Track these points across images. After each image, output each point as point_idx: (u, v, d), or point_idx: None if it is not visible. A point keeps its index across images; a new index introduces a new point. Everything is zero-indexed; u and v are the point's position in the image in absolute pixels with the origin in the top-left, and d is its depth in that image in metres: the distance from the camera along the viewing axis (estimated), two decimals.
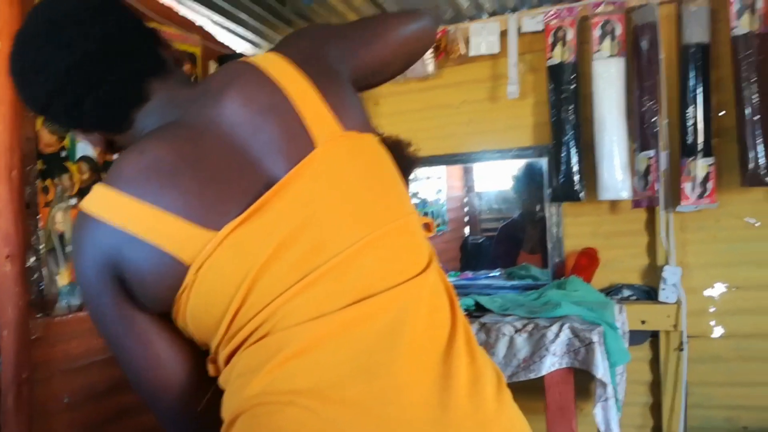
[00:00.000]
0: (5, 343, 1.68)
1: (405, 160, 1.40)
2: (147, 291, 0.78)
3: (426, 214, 3.47)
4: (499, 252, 3.29)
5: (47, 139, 1.85)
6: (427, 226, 0.94)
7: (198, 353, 0.84)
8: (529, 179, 2.89)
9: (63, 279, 1.89)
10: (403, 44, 0.96)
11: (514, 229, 3.22)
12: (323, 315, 0.75)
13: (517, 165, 2.93)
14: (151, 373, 0.83)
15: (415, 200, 3.34)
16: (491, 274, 3.04)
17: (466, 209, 3.62)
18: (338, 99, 0.82)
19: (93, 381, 1.97)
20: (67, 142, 1.91)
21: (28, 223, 1.78)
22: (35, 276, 1.80)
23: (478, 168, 3.24)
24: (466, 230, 3.67)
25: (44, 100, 0.86)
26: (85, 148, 1.96)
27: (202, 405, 0.84)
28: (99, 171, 2.01)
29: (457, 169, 3.40)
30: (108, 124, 0.88)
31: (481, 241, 3.55)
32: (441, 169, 3.25)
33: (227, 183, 0.78)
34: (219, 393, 0.79)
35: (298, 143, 0.79)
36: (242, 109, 0.80)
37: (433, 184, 3.44)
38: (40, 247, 1.82)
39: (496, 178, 3.33)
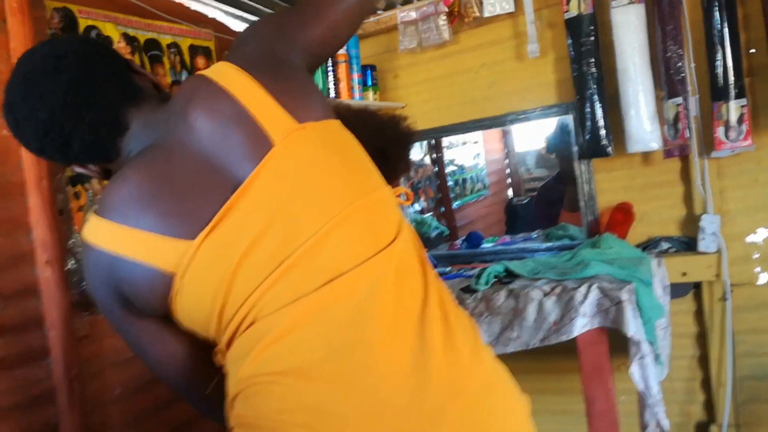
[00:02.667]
0: (53, 344, 1.80)
1: (400, 135, 1.41)
2: (143, 301, 0.89)
3: (465, 180, 3.46)
4: (539, 213, 3.24)
5: None
6: (405, 196, 0.98)
7: (198, 344, 0.94)
8: (562, 136, 2.82)
9: None
10: (343, 15, 0.99)
11: (552, 188, 3.16)
12: (299, 298, 0.81)
13: (549, 123, 2.87)
14: (161, 365, 0.98)
15: (451, 167, 3.33)
16: (529, 237, 3.02)
17: (507, 171, 3.58)
18: (290, 95, 0.88)
19: (142, 371, 2.08)
20: None
21: (64, 229, 1.88)
22: (75, 278, 1.91)
23: (516, 129, 3.16)
24: (509, 192, 3.64)
25: (37, 145, 0.95)
26: None
27: (210, 389, 0.95)
28: None
29: (495, 132, 3.35)
30: (97, 156, 0.96)
31: (525, 201, 3.51)
32: (477, 134, 3.20)
33: (201, 195, 0.85)
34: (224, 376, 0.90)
35: (258, 145, 0.84)
36: (205, 125, 0.87)
37: (470, 150, 3.41)
38: (78, 250, 1.92)
39: (536, 138, 3.27)
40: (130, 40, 2.15)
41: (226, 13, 2.58)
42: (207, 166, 0.86)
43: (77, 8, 2.02)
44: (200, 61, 2.42)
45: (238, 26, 2.69)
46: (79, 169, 0.99)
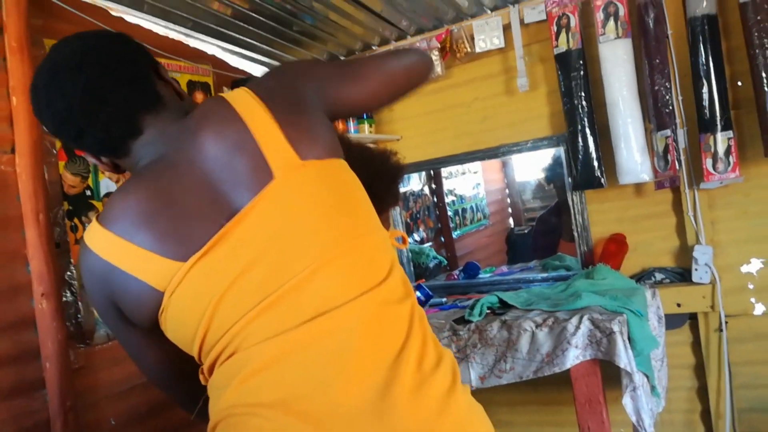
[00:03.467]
0: (49, 375, 1.82)
1: (389, 169, 1.44)
2: (133, 311, 0.92)
3: (465, 210, 3.48)
4: (539, 242, 3.25)
5: (71, 180, 1.98)
6: (401, 240, 0.99)
7: (180, 356, 0.97)
8: (556, 168, 2.85)
9: None
10: (388, 82, 1.05)
11: (551, 218, 3.18)
12: (282, 333, 0.83)
13: (546, 154, 2.90)
14: (151, 369, 1.05)
15: (451, 197, 3.36)
16: (527, 267, 3.03)
17: (508, 201, 3.60)
18: (299, 130, 0.89)
19: (136, 403, 2.09)
20: (90, 181, 2.03)
21: (60, 262, 1.91)
22: (72, 310, 1.93)
23: (515, 159, 3.18)
24: (510, 222, 3.65)
25: (53, 130, 0.99)
26: (108, 185, 2.08)
27: (195, 412, 1.03)
28: None
29: (495, 162, 3.37)
30: (108, 152, 0.99)
31: (526, 231, 3.52)
32: (477, 164, 3.23)
33: (198, 218, 0.87)
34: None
35: (259, 176, 0.86)
36: (214, 147, 0.88)
37: (469, 180, 3.44)
38: (75, 282, 1.95)
39: (535, 168, 3.29)
40: None
41: (224, 49, 2.65)
42: (208, 188, 0.87)
43: None
44: (198, 95, 2.48)
45: (236, 62, 2.76)
46: (91, 159, 1.01)
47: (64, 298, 1.90)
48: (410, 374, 0.83)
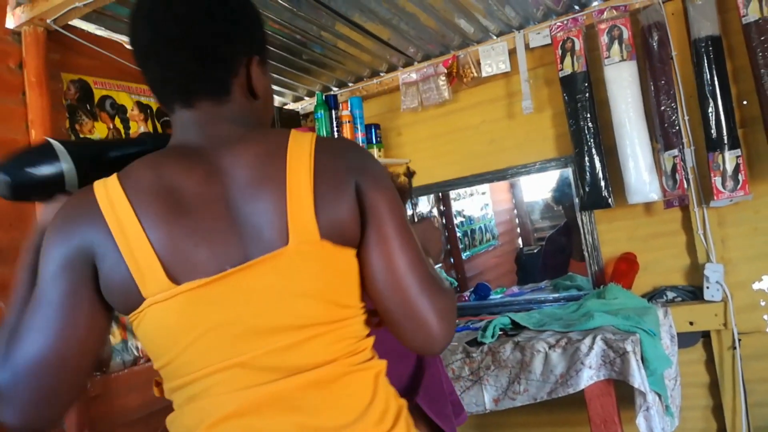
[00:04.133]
0: None
1: (398, 190, 1.46)
2: (110, 292, 0.84)
3: (474, 230, 3.50)
4: (548, 262, 3.26)
5: None
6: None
7: (89, 348, 0.85)
8: (564, 188, 2.87)
9: (115, 338, 2.04)
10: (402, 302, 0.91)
11: (559, 238, 3.19)
12: (255, 386, 0.83)
13: (553, 175, 2.92)
14: (42, 341, 0.82)
15: (460, 218, 3.38)
16: (538, 287, 3.03)
17: (516, 221, 3.61)
18: (331, 211, 0.86)
19: (152, 430, 2.09)
20: None
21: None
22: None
23: (522, 180, 3.20)
24: (519, 242, 3.66)
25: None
26: None
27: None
28: None
29: (502, 183, 3.39)
30: (159, 99, 0.96)
31: (536, 251, 3.53)
32: (484, 186, 3.24)
33: (206, 247, 0.83)
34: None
35: (275, 236, 0.83)
36: (246, 182, 0.85)
37: (477, 201, 3.46)
38: None
39: (543, 188, 3.31)
40: (143, 107, 2.26)
41: None
42: (226, 219, 0.84)
43: (92, 80, 2.13)
44: None
45: None
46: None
47: None
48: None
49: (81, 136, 2.08)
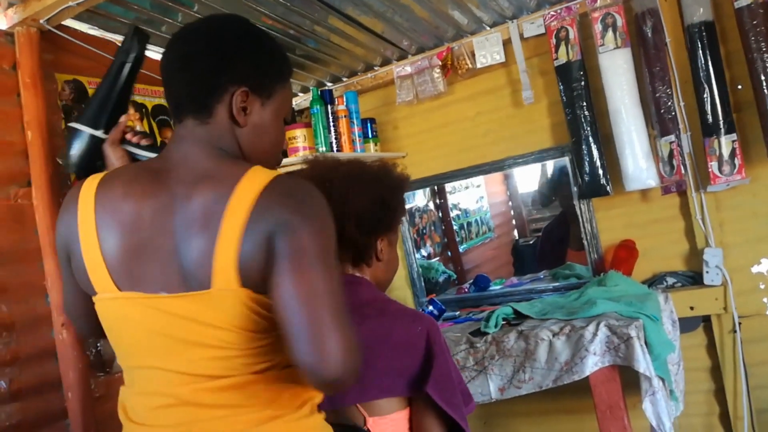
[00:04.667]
0: (71, 404, 1.82)
1: (396, 180, 1.46)
2: (78, 279, 1.05)
3: (470, 223, 3.51)
4: (546, 253, 3.27)
5: None
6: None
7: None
8: (561, 178, 2.88)
9: None
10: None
11: (557, 228, 3.19)
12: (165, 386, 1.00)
13: (548, 165, 2.92)
14: (67, 302, 1.17)
15: (456, 211, 3.39)
16: (537, 277, 3.04)
17: (511, 213, 3.62)
18: (253, 256, 0.92)
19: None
20: None
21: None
22: (91, 339, 1.94)
23: (518, 171, 3.20)
24: (515, 234, 3.66)
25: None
26: None
27: None
28: None
29: (497, 175, 3.39)
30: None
31: (532, 242, 3.54)
32: (479, 178, 3.25)
33: (150, 265, 0.97)
34: None
35: (204, 275, 0.93)
36: (191, 213, 0.96)
37: (473, 194, 3.46)
38: None
39: (537, 179, 3.32)
40: (138, 106, 2.24)
41: None
42: (168, 246, 0.96)
43: (87, 80, 2.12)
44: None
45: None
46: None
47: None
48: None
49: None
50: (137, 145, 1.34)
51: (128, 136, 1.35)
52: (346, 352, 0.88)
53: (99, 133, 1.35)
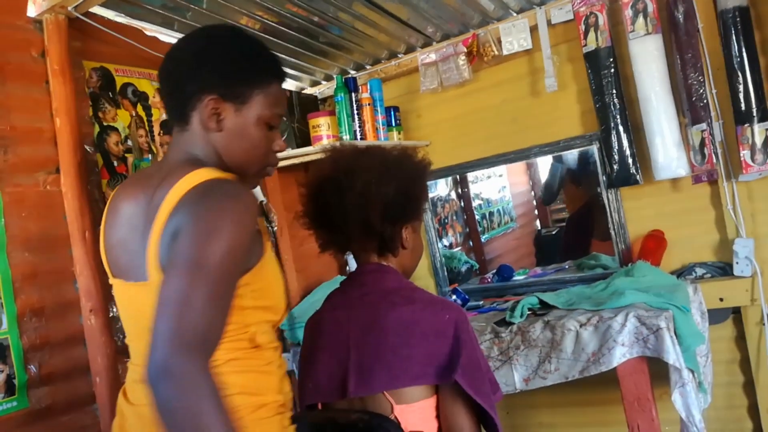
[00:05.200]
0: (99, 390, 1.85)
1: (418, 167, 1.45)
2: None
3: (492, 213, 3.49)
4: (569, 243, 3.23)
5: None
6: None
7: None
8: (587, 167, 2.84)
9: None
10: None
11: (581, 218, 3.16)
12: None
13: (573, 154, 2.88)
14: None
15: (478, 201, 3.37)
16: (561, 267, 3.01)
17: (534, 203, 3.58)
18: (165, 256, 0.99)
19: None
20: None
21: (107, 278, 1.94)
22: (119, 324, 1.95)
23: (542, 160, 3.14)
24: (537, 224, 3.63)
25: None
26: None
27: None
28: None
29: (520, 165, 3.34)
30: None
31: (554, 232, 3.50)
32: (501, 168, 3.21)
33: (122, 256, 1.10)
34: None
35: (144, 266, 1.02)
36: (149, 208, 1.03)
37: (495, 183, 3.43)
38: None
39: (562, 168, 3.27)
40: None
41: None
42: (139, 240, 1.04)
43: (113, 67, 2.13)
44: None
45: None
46: None
47: (111, 314, 1.93)
48: None
49: (104, 124, 2.07)
50: None
51: None
52: (168, 369, 0.80)
53: None
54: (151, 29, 2.21)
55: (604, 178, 2.50)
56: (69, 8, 1.86)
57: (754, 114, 2.13)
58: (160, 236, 0.98)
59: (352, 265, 1.54)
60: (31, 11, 1.87)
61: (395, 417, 1.27)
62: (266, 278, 1.08)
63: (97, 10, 1.98)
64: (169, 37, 2.29)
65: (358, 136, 2.56)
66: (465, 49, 2.64)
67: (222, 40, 1.14)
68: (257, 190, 1.40)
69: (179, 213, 0.97)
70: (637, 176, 2.37)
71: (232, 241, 0.92)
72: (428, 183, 1.49)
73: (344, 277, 1.54)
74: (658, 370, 1.91)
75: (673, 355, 1.79)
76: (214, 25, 1.23)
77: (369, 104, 2.61)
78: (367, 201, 1.33)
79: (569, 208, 3.31)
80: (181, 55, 1.14)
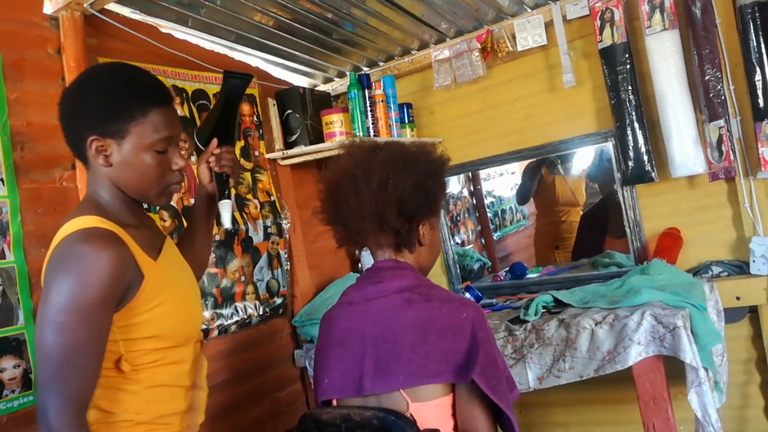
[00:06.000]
0: None
1: (436, 163, 1.43)
2: None
3: (504, 211, 3.48)
4: (584, 240, 3.22)
5: None
6: None
7: None
8: (602, 164, 2.82)
9: None
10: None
11: (595, 215, 3.14)
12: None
13: (587, 151, 2.86)
14: None
15: (490, 199, 3.36)
16: (575, 265, 2.99)
17: None
18: None
19: (222, 399, 2.17)
20: None
21: None
22: None
23: (555, 158, 3.12)
24: None
25: None
26: None
27: None
28: (179, 218, 2.16)
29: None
30: None
31: None
32: (513, 165, 3.19)
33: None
34: None
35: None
36: None
37: (507, 181, 3.42)
38: None
39: (575, 166, 3.26)
40: (179, 91, 2.25)
41: (267, 61, 2.69)
42: None
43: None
44: (245, 107, 2.51)
45: (280, 74, 2.79)
46: None
47: None
48: None
49: None
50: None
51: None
52: (61, 415, 1.07)
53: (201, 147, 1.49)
54: (165, 26, 2.21)
55: (620, 176, 2.48)
56: (85, 5, 1.86)
57: None
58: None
59: (365, 262, 1.54)
60: (48, 8, 1.88)
61: (411, 414, 1.27)
62: (143, 314, 1.17)
63: (112, 6, 1.98)
64: (184, 34, 2.30)
65: (371, 133, 2.55)
66: (479, 45, 2.62)
67: (91, 82, 1.23)
68: (225, 205, 1.45)
69: (47, 264, 1.14)
70: (653, 173, 2.34)
71: (77, 296, 1.07)
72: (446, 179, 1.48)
73: (357, 274, 1.54)
74: (671, 369, 1.90)
75: (690, 354, 1.78)
76: (91, 67, 1.41)
77: (382, 101, 2.61)
78: (383, 197, 1.32)
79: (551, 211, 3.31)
80: (63, 101, 1.22)
